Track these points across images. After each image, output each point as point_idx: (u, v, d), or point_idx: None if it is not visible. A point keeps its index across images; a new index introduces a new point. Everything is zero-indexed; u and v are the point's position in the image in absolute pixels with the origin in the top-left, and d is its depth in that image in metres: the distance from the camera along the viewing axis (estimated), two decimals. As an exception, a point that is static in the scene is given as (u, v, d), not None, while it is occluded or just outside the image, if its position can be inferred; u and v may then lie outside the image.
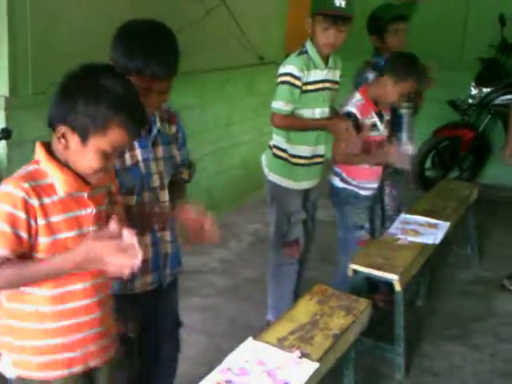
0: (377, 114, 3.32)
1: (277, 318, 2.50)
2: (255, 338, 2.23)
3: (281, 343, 2.23)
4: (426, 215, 3.59)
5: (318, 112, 3.12)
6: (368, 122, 3.27)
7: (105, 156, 1.59)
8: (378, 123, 3.32)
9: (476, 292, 4.07)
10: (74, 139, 1.57)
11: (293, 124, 3.09)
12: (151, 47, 1.91)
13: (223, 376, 2.00)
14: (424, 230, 3.38)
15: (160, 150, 2.09)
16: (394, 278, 2.90)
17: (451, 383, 3.08)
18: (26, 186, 1.53)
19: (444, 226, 3.48)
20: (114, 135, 1.56)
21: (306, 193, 3.28)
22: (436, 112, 5.60)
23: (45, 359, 1.64)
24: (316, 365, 2.10)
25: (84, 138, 1.56)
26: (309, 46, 3.06)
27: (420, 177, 5.97)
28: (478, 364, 3.26)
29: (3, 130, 2.87)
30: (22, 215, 1.52)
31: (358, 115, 3.23)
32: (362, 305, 2.56)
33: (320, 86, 3.09)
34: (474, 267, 4.43)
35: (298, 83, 3.00)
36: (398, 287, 2.91)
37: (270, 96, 3.18)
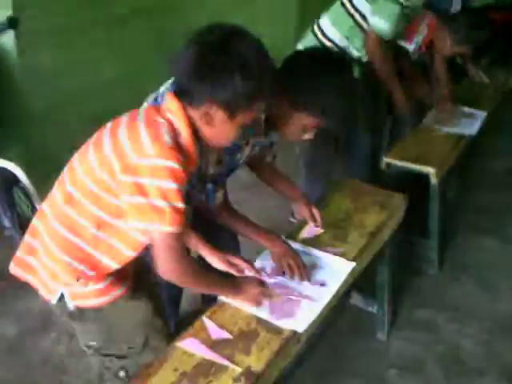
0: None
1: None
2: (287, 237, 2.13)
3: (314, 242, 2.12)
4: (462, 104, 3.39)
5: None
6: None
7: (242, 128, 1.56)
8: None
9: (509, 183, 3.92)
10: (220, 115, 1.50)
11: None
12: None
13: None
14: (460, 120, 3.19)
15: None
16: (430, 170, 2.75)
17: (484, 277, 3.00)
18: (183, 159, 1.46)
19: (480, 115, 3.28)
20: (257, 108, 1.55)
21: None
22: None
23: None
24: (352, 264, 2.00)
25: (233, 115, 1.50)
26: None
27: (451, 64, 5.66)
28: (512, 257, 3.17)
29: (9, 18, 2.65)
30: (184, 190, 1.47)
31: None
32: (397, 200, 2.43)
33: None
34: (507, 158, 4.25)
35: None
36: (434, 180, 2.77)
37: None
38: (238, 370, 1.56)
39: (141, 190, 1.42)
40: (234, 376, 1.55)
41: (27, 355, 2.58)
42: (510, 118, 4.30)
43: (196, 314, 1.77)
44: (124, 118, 1.56)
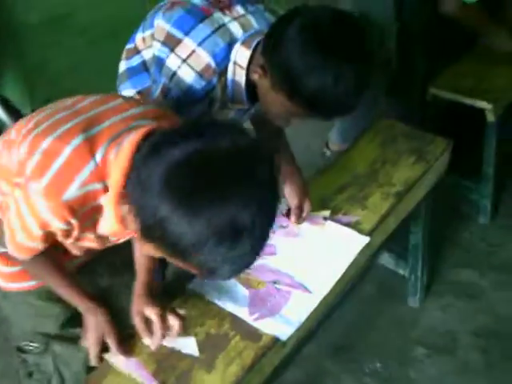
0: None
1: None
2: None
3: (323, 204, 1.70)
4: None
5: None
6: None
7: None
8: None
9: None
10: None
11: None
12: None
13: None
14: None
15: None
16: (486, 106, 2.23)
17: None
18: (73, 222, 1.09)
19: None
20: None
21: None
22: None
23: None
24: (365, 240, 1.58)
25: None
26: None
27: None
28: None
29: None
30: (40, 247, 1.17)
31: None
32: (440, 147, 1.94)
33: None
34: None
35: None
36: (490, 117, 2.25)
37: None
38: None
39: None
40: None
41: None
42: None
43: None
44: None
